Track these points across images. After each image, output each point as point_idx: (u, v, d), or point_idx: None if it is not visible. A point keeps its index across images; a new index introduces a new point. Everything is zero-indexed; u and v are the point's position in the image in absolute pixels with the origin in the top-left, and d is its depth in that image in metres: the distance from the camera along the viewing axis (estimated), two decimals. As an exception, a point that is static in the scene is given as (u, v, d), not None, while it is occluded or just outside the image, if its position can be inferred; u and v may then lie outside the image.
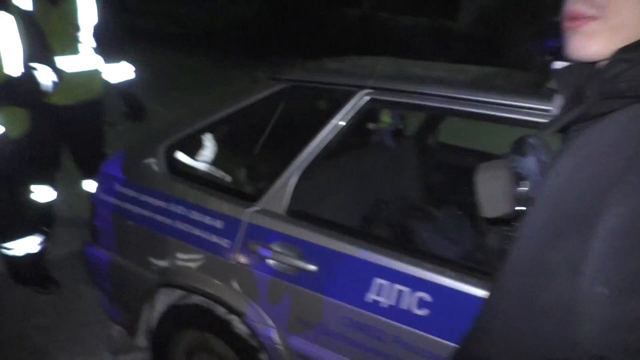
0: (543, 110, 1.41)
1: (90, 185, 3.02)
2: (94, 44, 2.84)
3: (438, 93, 1.54)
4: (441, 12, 14.93)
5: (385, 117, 2.50)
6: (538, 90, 1.46)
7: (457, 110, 1.52)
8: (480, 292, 1.39)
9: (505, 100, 1.45)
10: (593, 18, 0.64)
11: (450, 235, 2.30)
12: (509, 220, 1.51)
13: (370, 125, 2.54)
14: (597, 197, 0.58)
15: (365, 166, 2.47)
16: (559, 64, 1.50)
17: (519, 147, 2.08)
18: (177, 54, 10.11)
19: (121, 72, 3.00)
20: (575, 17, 0.66)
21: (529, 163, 1.98)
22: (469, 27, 11.58)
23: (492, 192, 1.34)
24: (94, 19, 2.81)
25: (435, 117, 2.71)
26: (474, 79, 1.64)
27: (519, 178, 1.81)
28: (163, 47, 10.30)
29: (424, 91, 1.55)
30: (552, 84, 1.45)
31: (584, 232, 0.58)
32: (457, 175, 2.53)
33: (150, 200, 1.93)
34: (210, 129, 2.00)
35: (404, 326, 1.47)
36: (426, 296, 1.45)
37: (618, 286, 0.55)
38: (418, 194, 2.66)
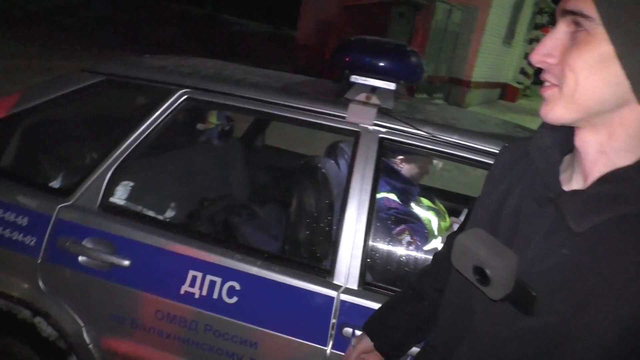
0: (339, 116, 1.61)
1: None
2: None
3: (250, 96, 1.65)
4: (283, 21, 15.47)
5: (213, 118, 2.57)
6: (337, 99, 1.66)
7: (266, 112, 1.66)
8: (283, 279, 1.53)
9: (307, 106, 1.62)
10: (553, 86, 0.71)
11: (271, 231, 2.45)
12: None
13: (198, 125, 2.59)
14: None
15: (193, 165, 2.50)
16: (354, 77, 1.73)
17: (332, 151, 2.32)
18: (-15, 35, 8.91)
19: None
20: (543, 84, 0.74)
21: (341, 165, 2.22)
22: (306, 38, 12.13)
23: None
24: None
25: (262, 120, 2.85)
26: (284, 86, 1.78)
27: (324, 179, 2.02)
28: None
29: (238, 94, 1.66)
30: (349, 94, 1.67)
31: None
32: (280, 175, 2.71)
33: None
34: (16, 119, 1.87)
35: (215, 314, 1.56)
36: (236, 285, 1.55)
37: None
38: (244, 193, 2.77)
